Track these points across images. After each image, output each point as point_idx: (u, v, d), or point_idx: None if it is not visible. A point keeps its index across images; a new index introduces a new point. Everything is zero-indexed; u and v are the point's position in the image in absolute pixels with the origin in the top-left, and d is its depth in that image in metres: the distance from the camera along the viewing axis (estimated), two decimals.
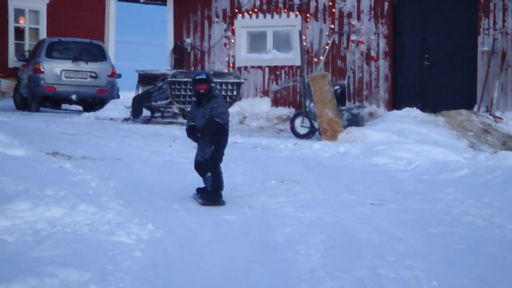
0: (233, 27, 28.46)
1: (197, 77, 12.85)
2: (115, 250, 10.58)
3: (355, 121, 22.44)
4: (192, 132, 13.01)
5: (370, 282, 9.64)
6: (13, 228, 11.15)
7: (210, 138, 12.88)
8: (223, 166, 13.13)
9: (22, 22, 39.90)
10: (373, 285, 9.53)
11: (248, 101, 27.64)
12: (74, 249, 10.35)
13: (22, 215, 11.51)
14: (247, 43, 28.49)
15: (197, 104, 13.06)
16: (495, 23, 24.77)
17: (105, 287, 9.11)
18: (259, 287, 9.57)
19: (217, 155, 12.94)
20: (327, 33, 27.03)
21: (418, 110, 23.56)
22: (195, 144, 13.33)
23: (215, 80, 25.09)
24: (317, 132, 22.10)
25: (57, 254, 10.10)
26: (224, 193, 13.01)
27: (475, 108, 24.37)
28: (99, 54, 31.36)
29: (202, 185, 13.11)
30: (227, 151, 13.29)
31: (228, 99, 25.31)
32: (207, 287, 9.49)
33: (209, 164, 12.89)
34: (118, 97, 31.26)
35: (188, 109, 24.21)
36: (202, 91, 12.78)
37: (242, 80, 26.30)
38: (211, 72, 26.32)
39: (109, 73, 30.99)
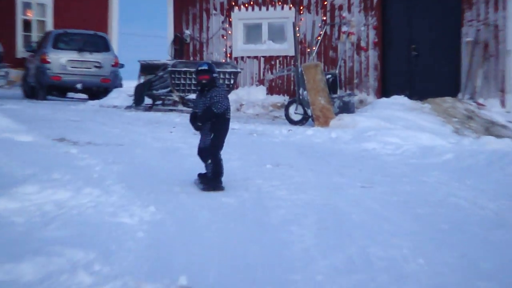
0: (230, 19, 28.45)
1: (200, 68, 12.65)
2: (118, 230, 10.59)
3: (346, 108, 22.45)
4: (194, 120, 12.83)
5: (360, 260, 9.65)
6: (22, 210, 11.16)
7: (210, 126, 12.69)
8: (223, 155, 13.02)
9: (29, 14, 39.85)
10: (362, 263, 9.54)
11: (244, 89, 27.64)
12: (79, 230, 10.36)
13: (30, 198, 11.52)
14: (243, 34, 28.47)
15: (200, 92, 12.89)
16: (478, 15, 24.76)
17: (109, 266, 9.13)
18: (255, 266, 9.59)
19: (217, 143, 12.77)
20: (319, 25, 27.00)
21: (406, 98, 23.58)
22: (194, 131, 13.31)
23: None
24: (310, 119, 22.11)
25: (63, 234, 10.11)
26: (223, 177, 12.92)
27: (460, 96, 24.39)
28: (103, 45, 31.34)
29: (203, 170, 13.11)
30: (227, 138, 13.09)
31: (225, 88, 25.30)
32: (206, 266, 9.50)
33: (209, 151, 12.75)
34: (121, 86, 31.21)
35: (188, 97, 24.28)
36: (204, 81, 12.57)
37: (239, 70, 26.29)
38: (210, 61, 26.43)
39: (113, 63, 30.98)
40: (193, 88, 24.58)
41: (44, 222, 10.79)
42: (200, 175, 12.96)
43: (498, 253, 9.97)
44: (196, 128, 12.86)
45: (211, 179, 12.71)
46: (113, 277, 8.69)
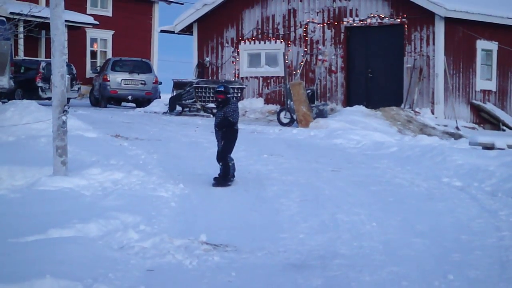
0: (238, 50, 28.36)
1: (217, 89, 12.11)
2: (157, 201, 10.60)
3: (321, 114, 22.42)
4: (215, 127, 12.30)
5: (330, 223, 9.67)
6: (89, 186, 11.17)
7: (222, 134, 12.08)
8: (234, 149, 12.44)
9: (95, 46, 39.83)
10: (332, 225, 9.55)
11: (248, 100, 27.57)
12: (130, 201, 10.37)
13: (95, 177, 11.53)
14: (247, 61, 28.39)
15: (217, 107, 12.41)
16: (415, 48, 24.69)
17: (150, 226, 9.13)
18: (255, 227, 9.59)
19: (226, 149, 12.05)
20: (302, 54, 26.94)
21: (364, 107, 23.52)
22: (212, 130, 12.96)
23: None
24: (295, 122, 22.08)
25: (118, 204, 10.12)
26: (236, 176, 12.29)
27: (402, 106, 24.34)
28: (147, 68, 31.26)
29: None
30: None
31: (234, 99, 25.24)
32: (219, 227, 9.51)
33: (220, 155, 12.10)
34: (159, 97, 31.15)
35: (207, 105, 24.28)
36: (220, 99, 12.07)
37: (244, 86, 26.26)
38: (223, 80, 26.39)
39: (154, 81, 30.90)
40: (211, 99, 24.61)
41: (105, 195, 10.80)
42: (215, 178, 12.16)
43: (428, 218, 9.98)
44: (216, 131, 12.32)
45: (220, 178, 12.04)
46: (153, 234, 8.70)
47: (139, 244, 8.26)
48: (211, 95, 24.62)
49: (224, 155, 12.06)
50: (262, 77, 28.08)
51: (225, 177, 12.01)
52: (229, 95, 12.10)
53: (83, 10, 38.09)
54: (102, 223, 8.82)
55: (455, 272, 7.42)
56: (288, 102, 22.33)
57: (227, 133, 12.09)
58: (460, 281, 7.17)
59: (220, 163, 12.06)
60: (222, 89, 12.05)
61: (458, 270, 7.50)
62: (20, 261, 7.02)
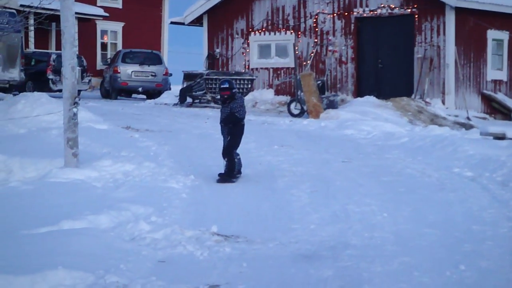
0: (248, 41, 28.33)
1: (222, 86, 11.66)
2: (168, 193, 10.61)
3: (332, 105, 22.38)
4: (220, 122, 11.91)
5: (341, 214, 9.66)
6: (100, 177, 11.20)
7: (228, 130, 11.75)
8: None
9: (105, 38, 39.85)
10: (343, 216, 9.55)
11: (258, 91, 27.54)
12: (141, 192, 10.39)
13: (106, 169, 11.56)
14: (257, 52, 28.36)
15: (222, 104, 11.92)
16: (425, 38, 24.61)
17: (162, 217, 9.15)
18: (266, 217, 9.60)
19: (232, 144, 11.72)
20: (312, 45, 26.90)
21: (374, 98, 23.47)
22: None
23: (237, 77, 25.22)
24: (305, 113, 22.05)
25: (129, 195, 10.14)
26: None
27: (413, 96, 24.28)
28: (157, 60, 31.28)
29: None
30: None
31: (245, 90, 25.28)
32: (230, 218, 9.51)
33: (225, 151, 11.75)
34: (170, 89, 31.16)
35: (217, 97, 24.26)
36: (225, 96, 11.62)
37: (254, 77, 26.22)
38: (233, 72, 26.35)
39: (164, 73, 30.92)
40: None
41: (116, 186, 10.82)
42: (220, 174, 11.80)
43: (440, 209, 9.96)
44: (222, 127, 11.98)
45: (225, 174, 11.68)
46: (164, 226, 8.71)
47: (150, 235, 8.28)
48: None
49: (230, 151, 11.73)
50: (272, 68, 28.05)
51: (230, 173, 11.68)
52: (234, 90, 11.68)
53: (93, 2, 38.14)
54: (114, 215, 8.85)
55: (466, 262, 7.41)
56: (299, 93, 22.30)
57: (233, 129, 11.77)
58: (472, 271, 7.16)
59: (226, 159, 11.74)
60: (227, 85, 11.63)
61: (469, 260, 7.49)
62: (33, 252, 7.05)
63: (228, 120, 11.69)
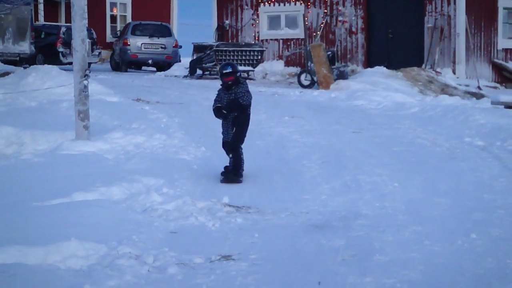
0: (258, 12, 28.20)
1: (224, 71, 9.98)
2: (179, 164, 10.63)
3: (342, 76, 22.30)
4: (219, 111, 10.09)
5: (352, 184, 9.67)
6: (111, 150, 11.22)
7: (233, 120, 10.01)
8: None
9: (115, 11, 39.73)
10: (354, 186, 9.55)
11: (268, 63, 27.45)
12: (152, 164, 10.40)
13: (117, 141, 11.57)
14: (267, 23, 28.24)
15: (226, 90, 10.11)
16: (436, 8, 24.46)
17: (173, 189, 9.17)
18: (277, 188, 9.61)
19: (238, 138, 10.01)
20: (322, 16, 26.75)
21: (384, 68, 23.37)
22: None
23: (246, 49, 25.15)
24: (316, 84, 21.98)
25: (141, 167, 10.16)
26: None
27: (423, 66, 24.17)
28: (167, 32, 31.19)
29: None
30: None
31: (255, 62, 25.24)
32: (241, 189, 9.54)
33: (231, 146, 10.01)
34: (180, 61, 31.09)
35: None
36: (230, 82, 9.94)
37: (264, 49, 26.13)
38: (243, 43, 26.26)
39: (174, 45, 30.84)
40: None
41: (127, 158, 10.84)
42: (225, 167, 10.10)
43: (451, 178, 9.95)
44: (221, 116, 10.13)
45: (230, 172, 9.95)
46: (176, 197, 8.74)
47: (162, 206, 8.31)
48: (231, 57, 24.56)
49: (236, 146, 10.03)
50: (282, 39, 27.94)
51: (236, 172, 9.98)
52: (238, 74, 10.08)
53: None
54: (125, 186, 8.87)
55: (477, 231, 7.41)
56: (309, 64, 22.22)
57: (239, 118, 10.04)
58: (483, 239, 7.16)
59: (230, 155, 10.07)
60: (230, 70, 9.97)
61: (480, 229, 7.49)
62: (45, 224, 7.08)
63: (233, 107, 9.96)
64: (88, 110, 11.59)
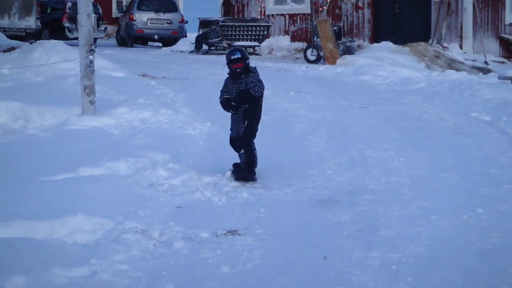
0: None
1: (232, 57, 8.80)
2: (185, 139, 10.63)
3: (348, 51, 22.22)
4: (228, 104, 8.94)
5: (358, 159, 9.65)
6: (117, 125, 11.22)
7: (243, 113, 8.88)
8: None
9: None
10: (360, 161, 9.54)
11: (274, 38, 27.35)
12: (158, 139, 10.41)
13: (123, 116, 11.57)
14: None
15: (234, 79, 8.94)
16: None
17: (179, 164, 9.17)
18: (284, 164, 9.61)
19: (250, 132, 8.92)
20: None
21: (391, 43, 23.28)
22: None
23: (253, 24, 25.06)
24: (322, 59, 21.91)
25: (147, 142, 10.16)
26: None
27: (430, 41, 24.06)
28: (173, 7, 31.11)
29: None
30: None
31: (261, 37, 25.16)
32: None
33: (242, 141, 8.93)
34: (186, 36, 31.02)
35: (234, 44, 24.08)
36: (238, 70, 8.78)
37: (270, 24, 26.05)
38: (249, 18, 26.16)
39: (180, 20, 30.77)
40: (238, 37, 24.58)
41: (133, 133, 10.84)
42: (235, 164, 9.04)
43: (457, 153, 9.93)
44: (231, 108, 8.97)
45: (244, 170, 8.87)
46: (182, 172, 8.74)
47: (168, 181, 8.31)
48: (238, 33, 24.48)
49: (248, 140, 8.96)
50: (288, 14, 27.82)
51: (249, 168, 8.90)
52: (248, 61, 8.86)
53: None
54: (131, 162, 8.87)
55: (484, 205, 7.40)
56: (315, 39, 22.14)
57: (251, 110, 8.89)
58: (489, 214, 7.16)
59: (242, 151, 9.01)
60: (239, 55, 8.78)
61: (487, 204, 7.48)
62: (52, 199, 7.10)
63: (243, 99, 8.84)
64: (94, 85, 11.58)
